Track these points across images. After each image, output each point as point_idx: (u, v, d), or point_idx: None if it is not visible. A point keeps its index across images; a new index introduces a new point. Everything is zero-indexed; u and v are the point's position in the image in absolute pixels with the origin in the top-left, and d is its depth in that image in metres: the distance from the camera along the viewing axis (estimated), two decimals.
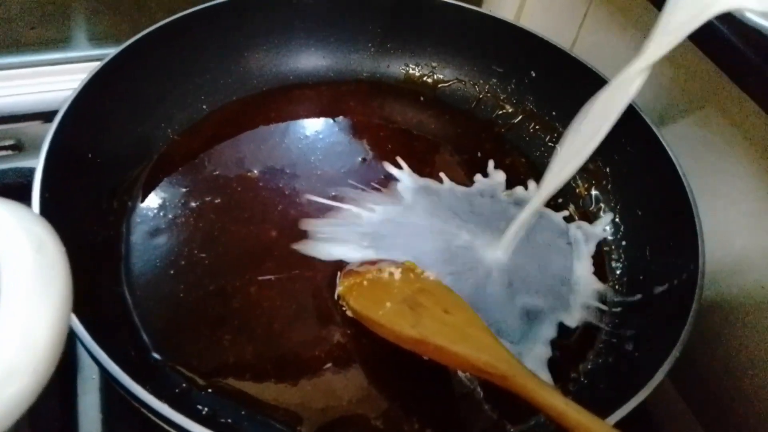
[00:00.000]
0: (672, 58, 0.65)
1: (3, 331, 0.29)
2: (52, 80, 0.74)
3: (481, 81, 0.79)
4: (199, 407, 0.49)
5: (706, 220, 0.56)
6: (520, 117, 0.76)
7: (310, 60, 0.78)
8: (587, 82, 0.69)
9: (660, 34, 0.47)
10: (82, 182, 0.57)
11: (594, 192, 0.70)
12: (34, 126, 0.72)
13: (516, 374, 0.47)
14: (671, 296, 0.56)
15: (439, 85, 0.79)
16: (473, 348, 0.49)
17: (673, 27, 0.46)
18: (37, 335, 0.30)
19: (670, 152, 0.61)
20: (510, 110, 0.77)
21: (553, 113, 0.75)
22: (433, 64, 0.80)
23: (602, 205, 0.68)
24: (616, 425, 0.43)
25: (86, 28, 0.76)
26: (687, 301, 0.51)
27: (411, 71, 0.80)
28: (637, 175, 0.66)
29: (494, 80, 0.78)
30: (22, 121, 0.72)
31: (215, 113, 0.71)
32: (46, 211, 0.49)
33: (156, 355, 0.52)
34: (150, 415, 0.41)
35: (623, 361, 0.55)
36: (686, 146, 0.63)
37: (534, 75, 0.75)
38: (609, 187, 0.69)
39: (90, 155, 0.58)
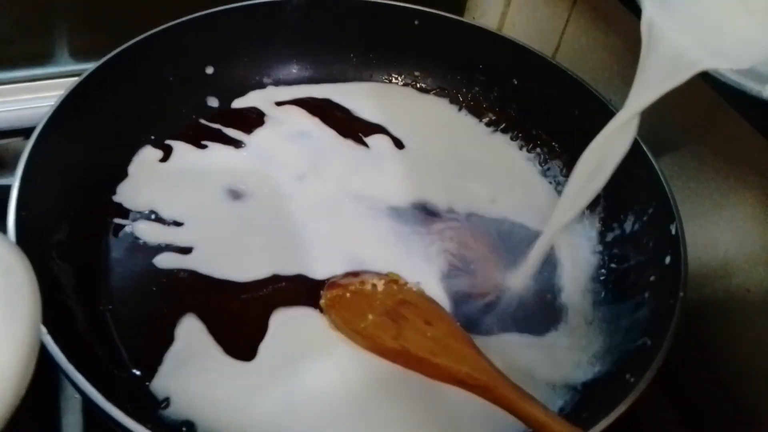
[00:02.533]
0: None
1: None
2: (33, 96, 0.74)
3: (464, 89, 0.78)
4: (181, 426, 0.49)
5: (689, 225, 0.56)
6: (503, 125, 0.76)
7: (291, 71, 0.78)
8: (569, 89, 0.69)
9: (639, 88, 0.47)
10: (60, 199, 0.56)
11: None
12: (14, 142, 0.71)
13: (498, 385, 0.47)
14: (656, 297, 0.56)
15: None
16: (454, 360, 0.49)
17: (651, 84, 0.46)
18: (3, 362, 0.30)
19: (651, 157, 0.60)
20: (493, 118, 0.77)
21: (536, 121, 0.74)
22: (416, 73, 0.80)
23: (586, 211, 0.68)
24: None
25: (67, 42, 0.75)
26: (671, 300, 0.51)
27: (394, 81, 0.80)
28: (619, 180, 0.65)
29: (477, 88, 0.78)
30: (3, 137, 0.71)
31: (195, 126, 0.71)
32: (22, 229, 0.48)
33: (137, 373, 0.52)
34: None
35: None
36: (668, 152, 0.63)
37: (516, 83, 0.75)
38: None
39: (69, 172, 0.58)
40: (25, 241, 0.47)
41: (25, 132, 0.71)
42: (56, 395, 0.56)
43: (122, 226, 0.61)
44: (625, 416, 0.44)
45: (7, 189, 0.51)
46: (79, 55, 0.76)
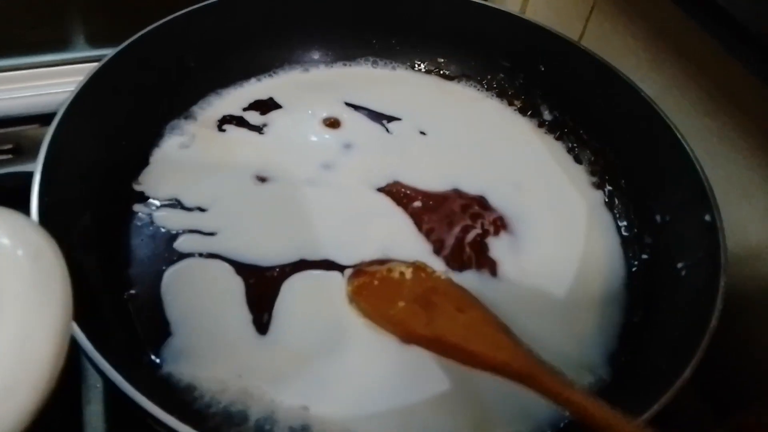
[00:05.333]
0: (683, 50, 0.65)
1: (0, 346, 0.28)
2: (50, 82, 0.73)
3: (489, 76, 0.77)
4: (205, 416, 0.48)
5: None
6: (529, 112, 0.75)
7: (313, 57, 0.77)
8: (598, 75, 0.68)
9: None
10: (82, 186, 0.55)
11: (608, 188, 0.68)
12: (33, 129, 0.71)
13: (536, 373, 0.46)
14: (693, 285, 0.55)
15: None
16: (489, 347, 0.48)
17: None
18: (35, 348, 0.29)
19: (685, 144, 0.59)
20: (519, 105, 0.75)
21: (562, 108, 0.73)
22: (440, 60, 0.78)
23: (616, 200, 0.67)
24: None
25: (84, 28, 0.74)
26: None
27: (417, 67, 0.79)
28: (652, 167, 0.65)
29: (502, 75, 0.76)
30: (21, 124, 0.71)
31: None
32: (45, 217, 0.48)
33: (158, 360, 0.51)
34: (152, 422, 0.40)
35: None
36: (698, 140, 0.61)
37: (543, 69, 0.74)
38: (623, 183, 0.67)
39: (90, 158, 0.57)
40: (48, 227, 0.46)
41: (41, 119, 0.71)
42: (78, 385, 0.55)
43: (145, 214, 0.60)
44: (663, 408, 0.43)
45: (29, 176, 0.50)
46: (96, 41, 0.76)
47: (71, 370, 0.54)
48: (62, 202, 0.51)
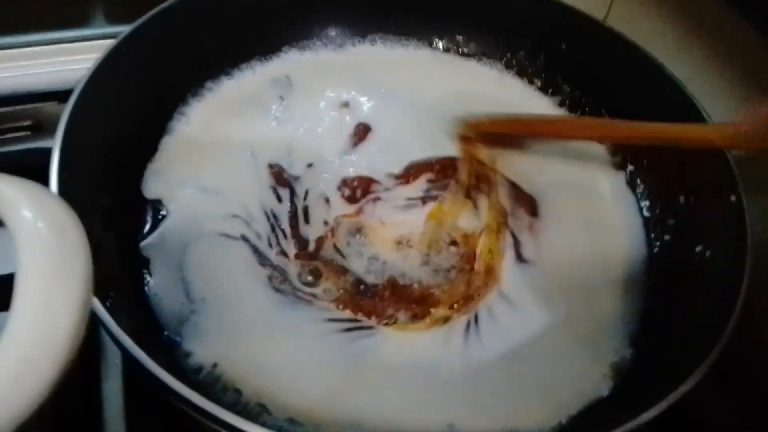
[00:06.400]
0: (712, 31, 0.63)
1: (22, 319, 0.28)
2: (70, 59, 0.72)
3: (509, 54, 0.75)
4: (222, 393, 0.48)
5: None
6: (549, 91, 0.73)
7: (330, 34, 0.75)
8: (623, 54, 0.66)
9: None
10: (101, 162, 0.55)
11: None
12: (52, 106, 0.70)
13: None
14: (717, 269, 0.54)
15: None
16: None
17: None
18: (57, 322, 0.29)
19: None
20: (539, 85, 0.74)
21: (585, 88, 0.72)
22: (458, 38, 0.77)
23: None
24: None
25: (103, 5, 0.74)
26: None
27: (434, 45, 0.77)
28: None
29: (522, 53, 0.75)
30: (40, 101, 0.70)
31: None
32: (64, 193, 0.47)
33: (178, 339, 0.51)
34: (173, 399, 0.40)
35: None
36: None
37: (564, 47, 0.72)
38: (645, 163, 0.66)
39: (108, 136, 0.57)
40: (68, 202, 0.46)
41: (59, 96, 0.70)
42: (97, 361, 0.55)
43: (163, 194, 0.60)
44: (682, 401, 0.43)
45: (47, 152, 0.50)
46: (114, 17, 0.75)
47: (90, 346, 0.55)
48: (81, 179, 0.51)
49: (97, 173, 0.54)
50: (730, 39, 0.62)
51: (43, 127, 0.69)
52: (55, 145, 0.50)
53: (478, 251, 0.58)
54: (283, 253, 0.57)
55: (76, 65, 0.71)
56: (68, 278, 0.30)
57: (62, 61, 0.72)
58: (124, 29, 0.60)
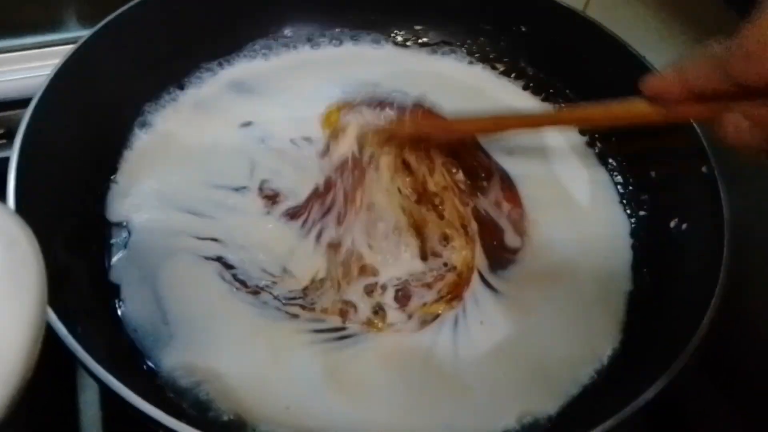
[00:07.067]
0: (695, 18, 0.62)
1: None
2: (40, 64, 0.71)
3: (469, 41, 0.74)
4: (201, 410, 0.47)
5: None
6: (512, 75, 0.72)
7: (285, 33, 0.73)
8: (581, 32, 0.66)
9: None
10: (63, 171, 0.54)
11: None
12: (23, 113, 0.69)
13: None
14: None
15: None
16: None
17: None
18: (6, 341, 0.27)
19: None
20: (502, 69, 0.72)
21: (548, 70, 0.71)
22: (417, 27, 0.75)
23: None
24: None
25: (75, 8, 0.73)
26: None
27: (393, 37, 0.75)
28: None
29: (482, 39, 0.74)
30: (11, 108, 0.69)
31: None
32: (22, 204, 0.46)
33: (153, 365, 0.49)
34: (151, 424, 0.39)
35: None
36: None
37: (524, 29, 0.71)
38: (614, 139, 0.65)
39: (70, 141, 0.55)
40: (26, 215, 0.44)
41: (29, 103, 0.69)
42: (73, 373, 0.54)
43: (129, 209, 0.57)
44: (666, 391, 0.42)
45: (5, 161, 0.48)
46: (87, 20, 0.74)
47: (63, 359, 0.53)
48: (42, 190, 0.49)
49: (59, 185, 0.53)
50: (713, 26, 0.61)
51: (14, 135, 0.68)
52: (12, 154, 0.49)
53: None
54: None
55: (48, 70, 0.69)
56: (20, 294, 0.29)
57: (34, 66, 0.71)
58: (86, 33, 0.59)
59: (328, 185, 0.59)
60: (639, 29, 0.69)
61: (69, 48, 0.57)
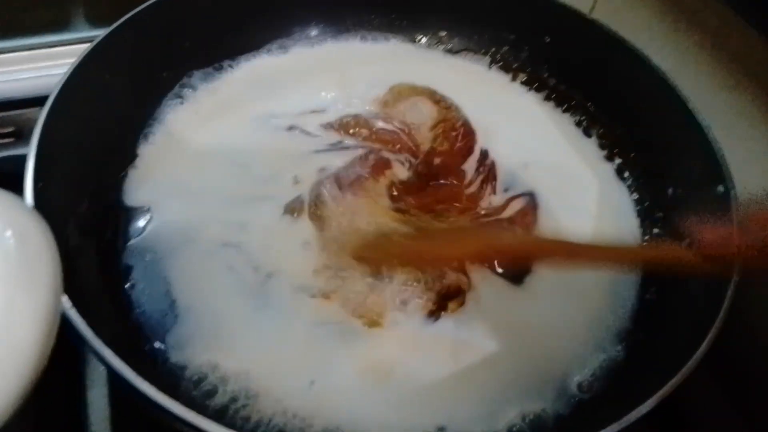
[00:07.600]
0: (699, 21, 0.62)
1: None
2: (50, 64, 0.71)
3: (493, 49, 0.75)
4: (208, 398, 0.48)
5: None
6: (535, 85, 0.72)
7: (311, 33, 0.74)
8: (607, 47, 0.66)
9: None
10: (78, 168, 0.54)
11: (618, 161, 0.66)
12: (33, 112, 0.69)
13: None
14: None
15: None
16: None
17: None
18: (20, 331, 0.28)
19: (695, 115, 0.58)
20: (525, 79, 0.73)
21: (570, 81, 0.71)
22: (441, 34, 0.76)
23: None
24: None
25: (84, 8, 0.73)
26: None
27: (418, 42, 0.76)
28: (662, 137, 0.63)
29: (506, 48, 0.74)
30: (21, 107, 0.69)
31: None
32: (40, 200, 0.46)
33: (163, 348, 0.50)
34: (156, 411, 0.39)
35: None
36: (716, 112, 0.59)
37: (548, 41, 0.72)
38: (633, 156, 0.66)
39: (86, 140, 0.56)
40: (44, 210, 0.45)
41: (41, 101, 0.69)
42: (81, 369, 0.54)
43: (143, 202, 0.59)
44: (673, 394, 0.42)
45: (23, 159, 0.49)
46: (95, 20, 0.74)
47: (73, 354, 0.54)
48: (58, 185, 0.50)
49: (75, 180, 0.54)
50: (717, 29, 0.61)
51: (24, 134, 0.68)
52: (30, 152, 0.49)
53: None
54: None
55: (57, 70, 0.70)
56: (34, 287, 0.29)
57: (43, 66, 0.72)
58: (102, 33, 0.59)
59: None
60: (644, 33, 0.69)
61: (86, 46, 0.58)
